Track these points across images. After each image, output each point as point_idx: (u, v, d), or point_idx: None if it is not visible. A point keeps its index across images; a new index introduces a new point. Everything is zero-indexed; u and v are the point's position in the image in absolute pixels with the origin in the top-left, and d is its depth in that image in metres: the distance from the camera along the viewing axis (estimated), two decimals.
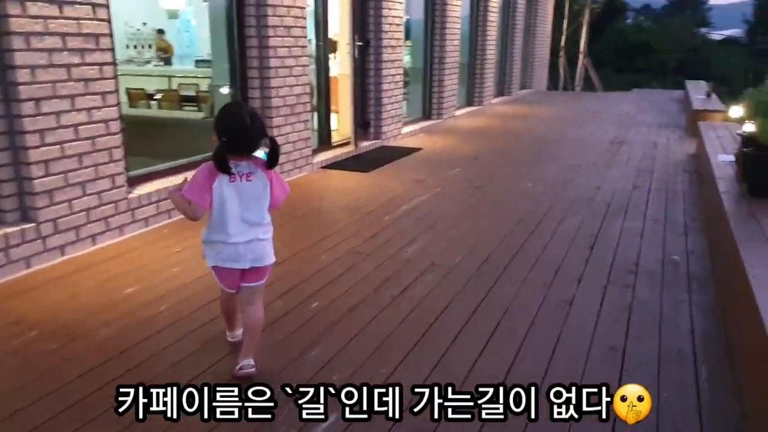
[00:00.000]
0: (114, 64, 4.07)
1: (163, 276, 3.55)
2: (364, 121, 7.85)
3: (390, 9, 7.76)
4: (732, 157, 4.94)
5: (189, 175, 2.56)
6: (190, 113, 7.03)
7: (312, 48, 6.76)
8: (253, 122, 2.31)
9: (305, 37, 6.06)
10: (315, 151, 6.76)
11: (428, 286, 3.44)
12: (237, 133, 2.29)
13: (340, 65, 7.96)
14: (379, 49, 7.71)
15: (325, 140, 7.13)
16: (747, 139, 4.12)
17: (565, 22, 19.79)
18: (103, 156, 4.01)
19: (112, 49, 4.05)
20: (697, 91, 11.90)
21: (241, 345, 2.60)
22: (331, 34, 7.13)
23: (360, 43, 7.34)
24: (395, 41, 8.01)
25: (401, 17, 8.11)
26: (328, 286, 3.44)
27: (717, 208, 3.95)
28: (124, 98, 6.76)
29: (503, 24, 13.35)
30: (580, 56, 20.04)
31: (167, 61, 9.27)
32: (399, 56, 8.19)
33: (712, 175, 4.54)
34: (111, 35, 4.03)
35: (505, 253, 3.95)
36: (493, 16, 11.92)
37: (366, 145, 7.63)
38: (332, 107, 7.34)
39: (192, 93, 7.46)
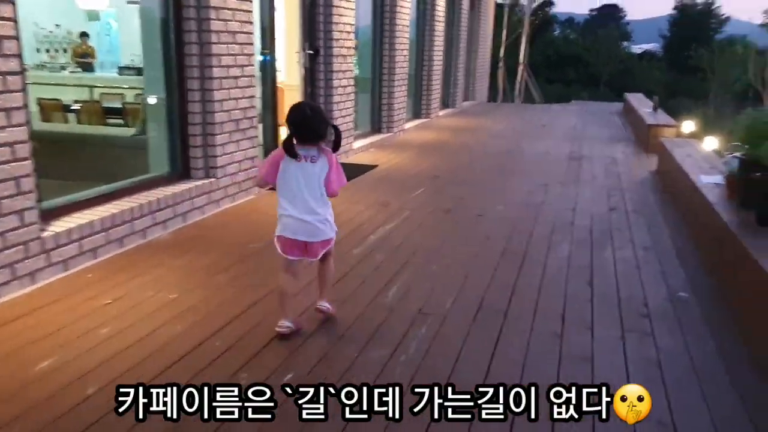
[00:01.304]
0: (22, 73, 3.29)
1: (90, 341, 2.81)
2: None
3: (341, 15, 7.19)
4: (718, 179, 4.67)
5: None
6: (116, 129, 6.19)
7: (258, 56, 6.10)
8: (314, 115, 2.80)
9: (252, 44, 5.40)
10: None
11: (423, 342, 2.87)
12: (300, 125, 2.77)
13: (287, 75, 7.33)
14: (329, 58, 7.12)
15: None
16: (748, 164, 3.80)
17: (504, 33, 19.83)
18: (8, 188, 3.21)
19: (19, 56, 3.28)
20: (642, 104, 11.97)
21: (294, 331, 2.90)
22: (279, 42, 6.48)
23: (310, 52, 6.72)
24: (346, 50, 7.44)
25: (352, 24, 7.56)
26: (302, 348, 2.81)
27: (724, 239, 3.60)
28: (35, 109, 5.86)
29: (448, 34, 13.05)
30: (520, 68, 20.13)
31: (87, 68, 8.31)
32: (350, 66, 7.63)
33: (704, 200, 4.22)
34: (17, 38, 3.25)
35: (499, 295, 3.45)
36: (440, 26, 11.59)
37: None
38: (280, 121, 6.70)
39: (118, 105, 6.61)
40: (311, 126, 2.77)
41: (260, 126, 6.40)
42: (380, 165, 7.25)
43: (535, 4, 21.47)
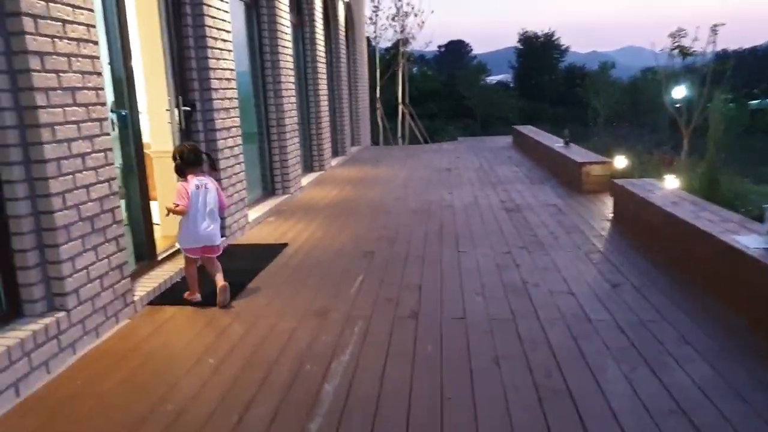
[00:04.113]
0: None
1: None
2: None
3: (218, 59, 5.63)
4: (763, 242, 3.61)
5: None
6: None
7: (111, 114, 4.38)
8: (194, 149, 4.10)
9: (103, 104, 3.70)
10: (134, 276, 4.31)
11: None
12: (195, 155, 4.05)
13: (153, 139, 5.59)
14: (209, 114, 5.51)
15: (146, 253, 4.69)
16: None
17: (378, 72, 19.04)
18: None
19: None
20: (543, 137, 11.45)
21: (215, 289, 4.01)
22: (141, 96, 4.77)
23: (186, 108, 5.08)
24: (228, 101, 5.87)
25: (233, 69, 6.02)
26: None
27: None
28: None
29: (329, 74, 11.83)
30: (400, 107, 19.36)
31: None
32: (235, 121, 6.05)
33: None
34: None
35: None
36: (322, 67, 10.32)
37: None
38: (151, 196, 4.94)
39: None
40: (200, 154, 4.08)
41: (123, 206, 4.65)
42: (290, 242, 5.70)
43: (389, 44, 21.17)
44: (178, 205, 3.90)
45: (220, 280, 4.02)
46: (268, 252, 5.39)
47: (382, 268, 4.84)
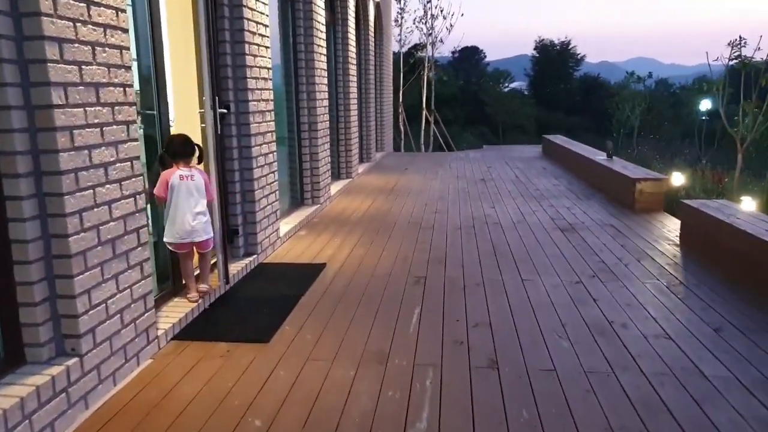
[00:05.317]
0: None
1: None
2: (230, 229, 4.92)
3: (255, 56, 5.04)
4: None
5: None
6: None
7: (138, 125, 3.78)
8: (184, 140, 3.82)
9: (133, 104, 3.11)
10: (158, 303, 3.70)
11: None
12: (184, 144, 3.81)
13: None
14: (244, 117, 4.92)
15: (170, 273, 4.08)
16: None
17: (401, 77, 18.43)
18: None
19: None
20: (584, 150, 10.80)
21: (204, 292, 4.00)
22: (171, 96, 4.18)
23: (223, 110, 4.48)
24: (264, 103, 5.27)
25: (269, 68, 5.42)
26: None
27: None
28: None
29: (358, 78, 11.25)
30: (424, 113, 18.74)
31: None
32: (270, 126, 5.46)
33: None
34: None
35: None
36: (353, 69, 9.73)
37: (238, 269, 4.69)
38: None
39: None
40: (189, 145, 3.83)
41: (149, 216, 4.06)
42: (329, 262, 5.09)
43: (404, 49, 20.66)
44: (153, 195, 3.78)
45: (201, 287, 3.99)
46: (306, 274, 4.78)
47: (439, 297, 4.21)
